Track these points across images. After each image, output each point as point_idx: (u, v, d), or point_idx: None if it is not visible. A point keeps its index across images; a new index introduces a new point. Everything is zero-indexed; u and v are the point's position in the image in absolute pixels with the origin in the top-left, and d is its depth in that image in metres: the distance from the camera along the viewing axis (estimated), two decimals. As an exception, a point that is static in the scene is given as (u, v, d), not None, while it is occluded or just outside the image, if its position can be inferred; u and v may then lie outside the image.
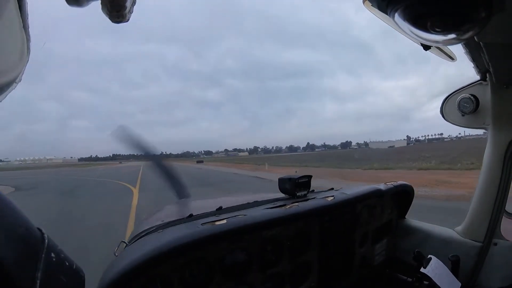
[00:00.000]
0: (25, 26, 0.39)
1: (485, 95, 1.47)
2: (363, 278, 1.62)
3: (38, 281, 0.44)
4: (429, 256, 1.34)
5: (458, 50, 1.07)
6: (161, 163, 2.19)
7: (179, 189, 2.16)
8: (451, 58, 1.07)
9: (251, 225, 1.10)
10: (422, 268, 1.31)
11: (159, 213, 1.62)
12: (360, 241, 1.60)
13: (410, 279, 1.39)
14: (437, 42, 0.68)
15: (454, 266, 1.37)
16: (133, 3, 0.43)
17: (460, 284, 1.32)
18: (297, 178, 1.49)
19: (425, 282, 1.29)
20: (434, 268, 1.31)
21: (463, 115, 1.56)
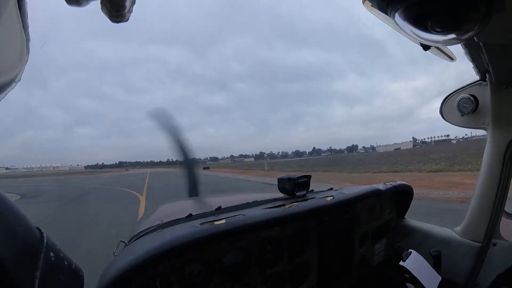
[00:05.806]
0: (24, 26, 0.39)
1: (485, 95, 1.48)
2: (362, 278, 1.61)
3: (37, 281, 0.44)
4: (409, 250, 1.36)
5: (458, 50, 1.07)
6: (190, 163, 2.61)
7: (192, 188, 2.45)
8: (451, 58, 1.08)
9: (250, 225, 1.10)
10: (401, 261, 1.32)
11: (158, 213, 1.63)
12: (359, 241, 1.59)
13: (399, 276, 1.41)
14: (437, 42, 0.68)
15: (436, 261, 1.38)
16: (133, 2, 0.43)
17: (440, 278, 1.33)
18: (296, 178, 1.49)
19: (406, 275, 1.31)
20: (414, 262, 1.32)
21: (462, 115, 1.56)
